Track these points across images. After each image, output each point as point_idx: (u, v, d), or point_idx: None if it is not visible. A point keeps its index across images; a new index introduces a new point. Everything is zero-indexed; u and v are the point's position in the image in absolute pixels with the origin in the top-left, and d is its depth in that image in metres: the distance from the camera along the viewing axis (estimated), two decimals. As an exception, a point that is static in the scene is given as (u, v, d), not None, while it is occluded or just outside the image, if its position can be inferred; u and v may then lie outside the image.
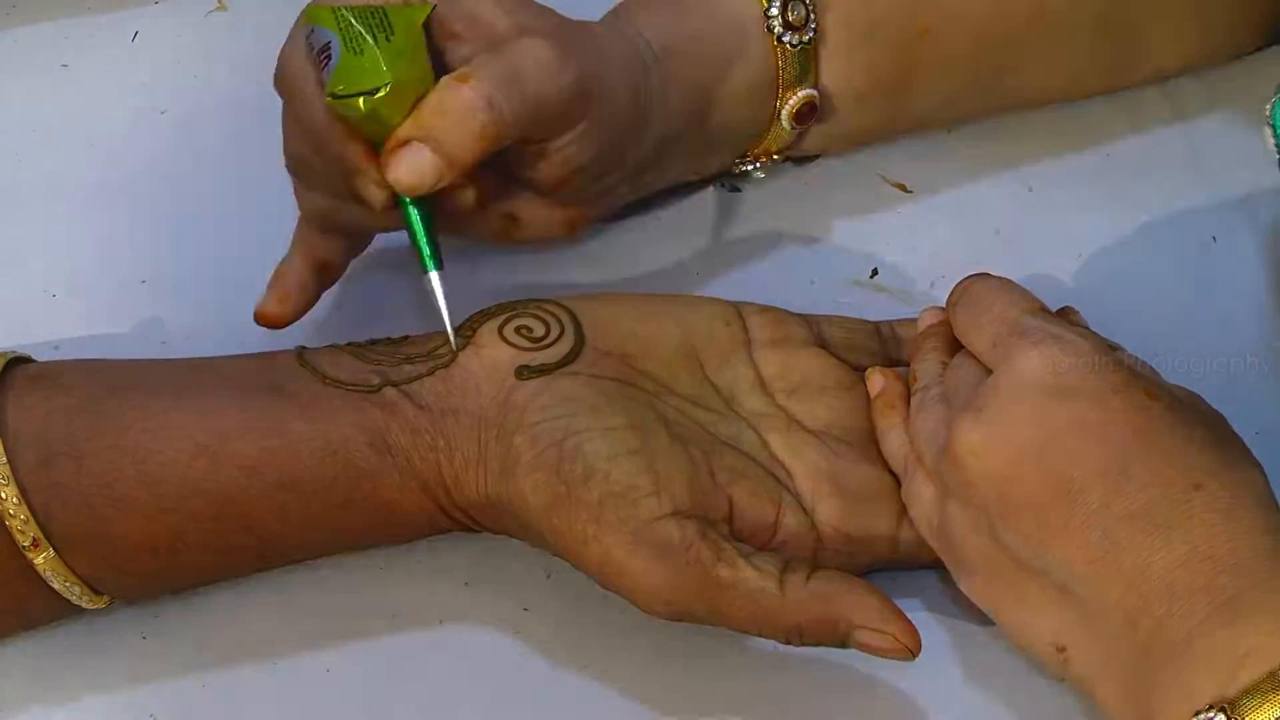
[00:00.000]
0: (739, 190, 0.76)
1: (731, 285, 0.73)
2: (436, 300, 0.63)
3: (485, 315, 0.64)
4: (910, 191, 0.76)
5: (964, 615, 0.64)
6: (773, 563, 0.60)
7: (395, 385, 0.62)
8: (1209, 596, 0.54)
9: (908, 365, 0.67)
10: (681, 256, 0.74)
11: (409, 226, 0.63)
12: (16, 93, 0.79)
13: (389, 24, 0.61)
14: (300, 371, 0.62)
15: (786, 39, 0.69)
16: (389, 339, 0.65)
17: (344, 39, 0.61)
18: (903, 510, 0.63)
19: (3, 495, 0.58)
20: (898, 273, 0.73)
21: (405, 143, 0.60)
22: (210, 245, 0.74)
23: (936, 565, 0.64)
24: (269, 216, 0.74)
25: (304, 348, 0.63)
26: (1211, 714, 0.52)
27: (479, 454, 0.61)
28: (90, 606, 0.61)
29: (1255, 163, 0.74)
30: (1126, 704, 0.56)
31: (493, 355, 0.63)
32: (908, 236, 0.74)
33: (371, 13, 0.61)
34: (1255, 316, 0.72)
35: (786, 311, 0.67)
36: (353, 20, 0.61)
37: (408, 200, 0.62)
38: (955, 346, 0.65)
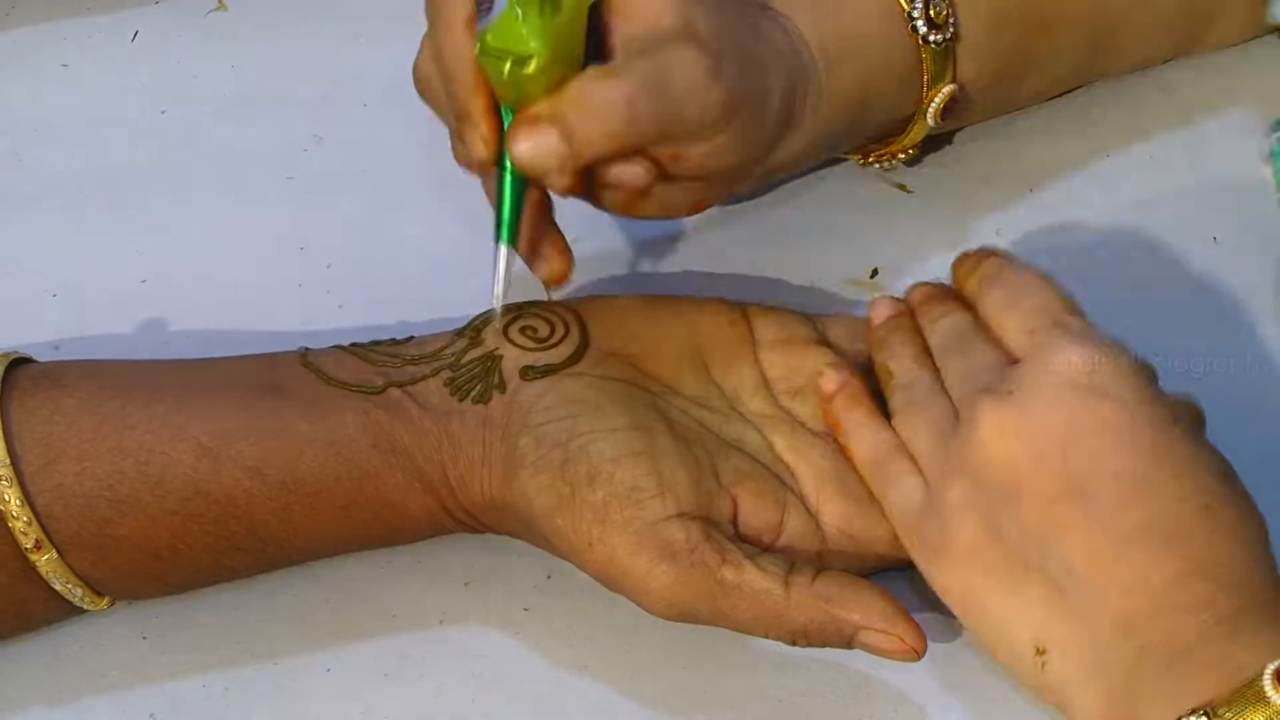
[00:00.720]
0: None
1: (732, 284, 0.73)
2: (497, 270, 0.63)
3: (491, 315, 0.64)
4: (911, 191, 0.76)
5: (965, 615, 0.64)
6: (778, 564, 0.60)
7: (399, 386, 0.62)
8: (1209, 611, 0.54)
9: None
10: (683, 256, 0.74)
11: (499, 191, 0.63)
12: (17, 93, 0.79)
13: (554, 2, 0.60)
14: (303, 373, 0.62)
15: (932, 38, 0.69)
16: (392, 340, 0.65)
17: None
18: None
19: (6, 497, 0.58)
20: (898, 272, 0.73)
21: (536, 121, 0.60)
22: (211, 245, 0.74)
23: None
24: (270, 216, 0.75)
25: (307, 349, 0.64)
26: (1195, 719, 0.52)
27: (483, 455, 0.61)
28: (92, 608, 0.61)
29: (1256, 162, 0.74)
30: (1109, 708, 0.56)
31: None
32: (908, 236, 0.74)
33: None
34: (1255, 316, 0.72)
35: (792, 311, 0.67)
36: None
37: (509, 168, 0.62)
38: (922, 341, 0.64)
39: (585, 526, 0.60)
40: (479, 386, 0.62)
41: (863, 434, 0.63)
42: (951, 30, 0.69)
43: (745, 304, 0.67)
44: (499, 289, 0.63)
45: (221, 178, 0.76)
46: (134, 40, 0.80)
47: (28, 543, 0.59)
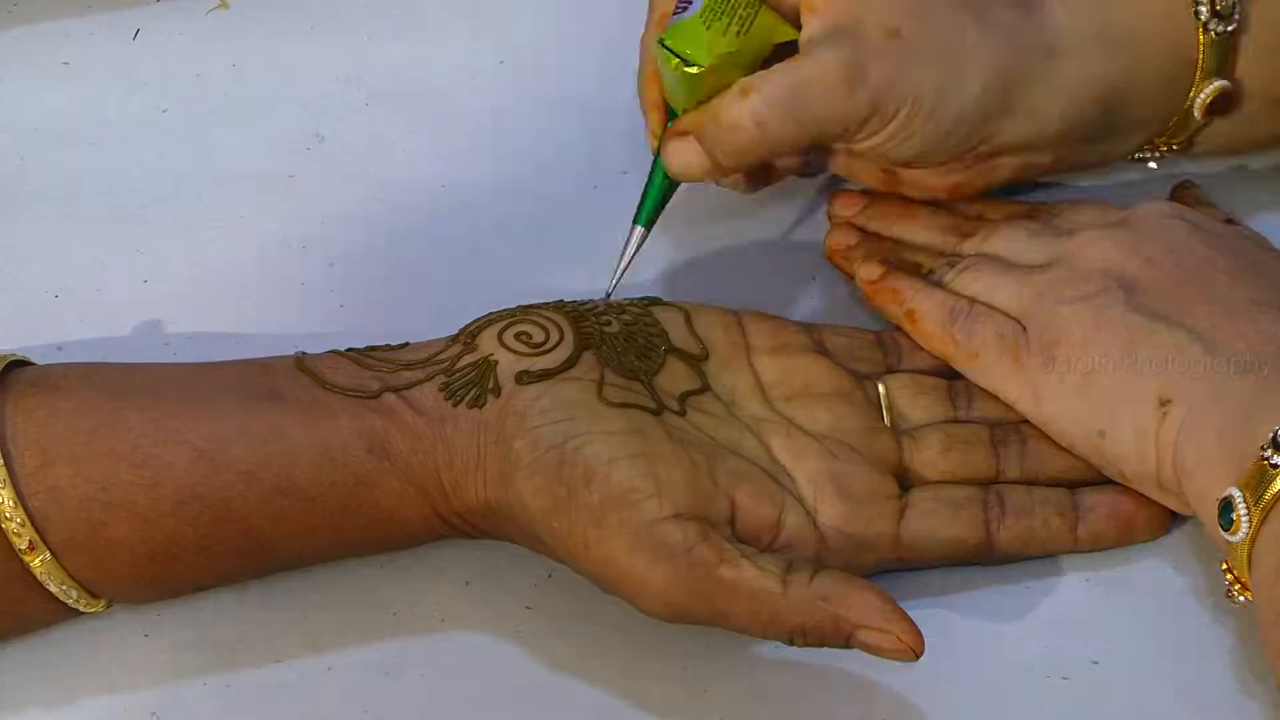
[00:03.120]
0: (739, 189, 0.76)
1: (732, 284, 0.73)
2: (626, 249, 0.67)
3: (485, 321, 0.64)
4: (911, 190, 0.76)
5: (966, 615, 0.64)
6: (775, 563, 0.60)
7: (394, 391, 0.62)
8: None
9: (909, 370, 0.67)
10: (682, 255, 0.73)
11: (650, 179, 0.67)
12: (18, 92, 0.79)
13: (751, 23, 0.64)
14: (299, 377, 0.62)
15: (1212, 26, 0.68)
16: (388, 346, 0.64)
17: (706, 5, 0.64)
18: (903, 512, 0.63)
19: (0, 498, 0.58)
20: (899, 271, 0.73)
21: (682, 133, 0.64)
22: (212, 244, 0.74)
23: (938, 565, 0.64)
24: (270, 216, 0.75)
25: (303, 353, 0.63)
26: None
27: (478, 459, 0.61)
28: (88, 610, 0.61)
29: (1258, 159, 0.74)
30: (1226, 430, 0.59)
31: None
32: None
33: (746, 3, 0.64)
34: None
35: (785, 319, 0.68)
36: (722, 2, 0.64)
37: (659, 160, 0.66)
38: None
39: (582, 528, 0.60)
40: (474, 391, 0.62)
41: (931, 293, 0.68)
42: (1235, 23, 0.68)
43: (739, 310, 0.67)
44: (621, 268, 0.67)
45: (223, 177, 0.76)
46: (135, 39, 0.80)
47: (22, 544, 0.59)
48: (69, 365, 0.62)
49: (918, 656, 0.59)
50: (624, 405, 0.62)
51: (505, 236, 0.74)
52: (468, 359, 0.63)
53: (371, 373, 0.63)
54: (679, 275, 0.73)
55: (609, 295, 0.67)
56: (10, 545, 0.59)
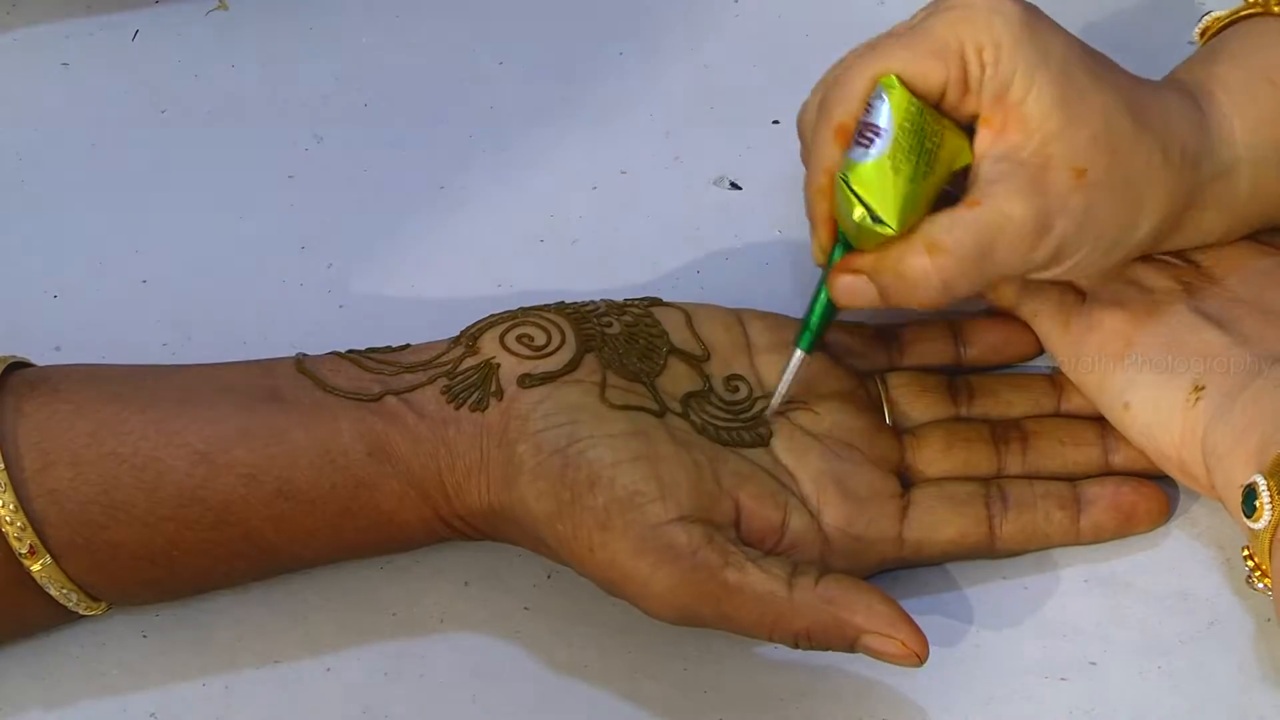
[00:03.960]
0: (739, 189, 0.76)
1: (731, 284, 0.72)
2: (786, 371, 0.63)
3: (487, 323, 0.64)
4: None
5: (965, 616, 0.64)
6: (781, 566, 0.60)
7: (395, 394, 0.62)
8: None
9: (910, 368, 0.68)
10: (682, 256, 0.73)
11: (813, 301, 0.63)
12: (17, 92, 0.79)
13: (936, 157, 0.60)
14: (300, 379, 0.62)
15: None
16: (389, 348, 0.64)
17: (895, 143, 0.60)
18: (905, 510, 0.63)
19: (0, 501, 0.58)
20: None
21: (857, 271, 0.61)
22: (211, 246, 0.74)
23: (942, 562, 0.65)
24: (269, 217, 0.75)
25: (304, 355, 0.63)
26: None
27: (481, 462, 0.61)
28: (87, 613, 0.61)
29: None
30: (1255, 419, 0.60)
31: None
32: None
33: (931, 131, 0.60)
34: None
35: (786, 317, 0.67)
36: (911, 130, 0.60)
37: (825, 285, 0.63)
38: None
39: (586, 532, 0.60)
40: (476, 394, 0.62)
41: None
42: None
43: (740, 309, 0.67)
44: (781, 392, 0.64)
45: (222, 178, 0.76)
46: (134, 40, 0.80)
47: (22, 548, 0.59)
48: (68, 367, 0.62)
49: (922, 662, 0.59)
50: (627, 407, 0.62)
51: (504, 237, 0.74)
52: (470, 362, 0.63)
53: (372, 375, 0.63)
54: (679, 276, 0.73)
55: (768, 413, 0.64)
56: (10, 549, 0.59)
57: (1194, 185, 0.63)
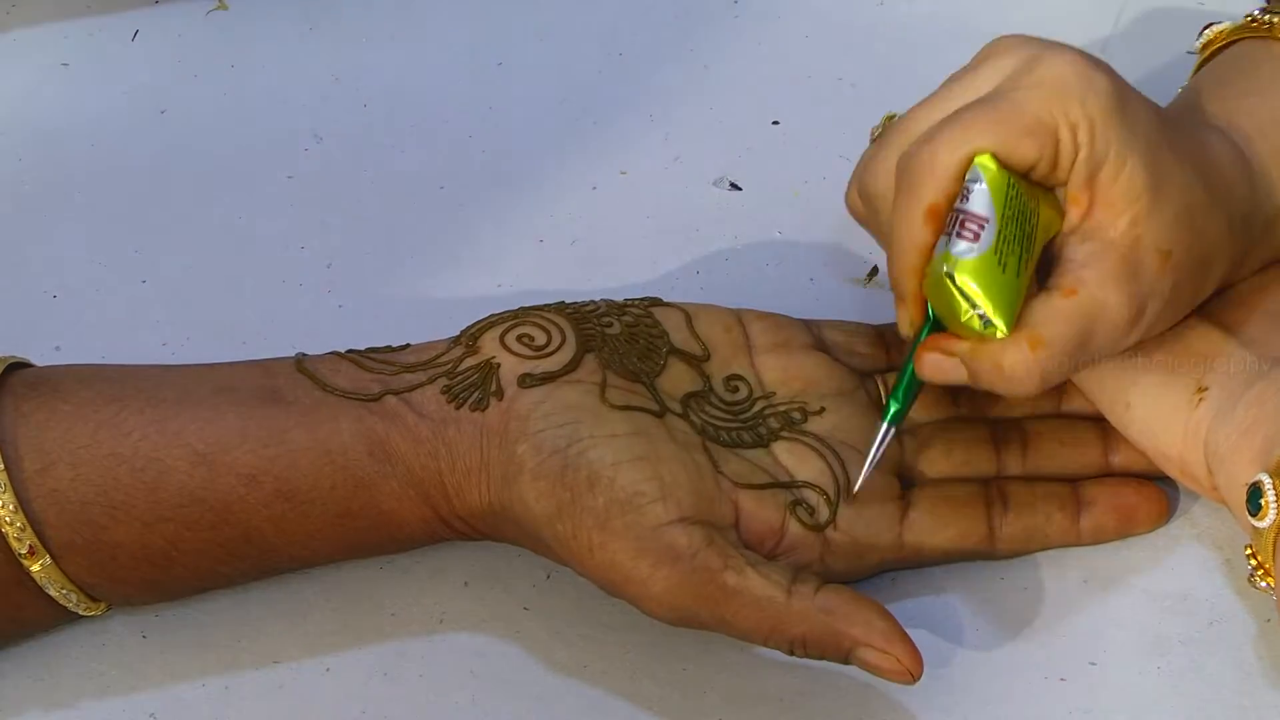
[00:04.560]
0: (739, 189, 0.76)
1: (731, 284, 0.73)
2: (874, 446, 0.62)
3: (487, 323, 0.64)
4: (911, 190, 0.76)
5: (964, 616, 0.64)
6: (781, 572, 0.60)
7: (396, 394, 0.62)
8: None
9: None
10: (682, 256, 0.73)
11: (901, 377, 0.62)
12: (17, 92, 0.79)
13: (1033, 239, 0.59)
14: (300, 379, 0.62)
15: None
16: (389, 347, 0.64)
17: (999, 236, 0.58)
18: (905, 512, 0.63)
19: (0, 502, 0.58)
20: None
21: (951, 354, 0.60)
22: (211, 245, 0.74)
23: (941, 563, 0.64)
24: (269, 217, 0.75)
25: (304, 355, 0.63)
26: None
27: (481, 462, 0.61)
28: (87, 614, 0.61)
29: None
30: (1259, 418, 0.60)
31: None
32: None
33: (1029, 212, 0.59)
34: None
35: (786, 317, 0.67)
36: (1012, 216, 0.58)
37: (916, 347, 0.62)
38: None
39: (586, 532, 0.60)
40: (476, 394, 0.62)
41: None
42: None
43: (740, 310, 0.67)
44: (870, 465, 0.63)
45: (221, 178, 0.76)
46: (134, 40, 0.80)
47: (22, 549, 0.59)
48: (68, 367, 0.62)
49: (915, 680, 0.59)
50: (627, 408, 0.62)
51: (504, 238, 0.74)
52: (470, 361, 0.63)
53: (372, 375, 0.63)
54: (679, 276, 0.73)
55: (856, 489, 0.63)
56: (10, 550, 0.59)
57: (1248, 245, 0.63)
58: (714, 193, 0.75)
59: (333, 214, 0.75)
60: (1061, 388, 0.67)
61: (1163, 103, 0.64)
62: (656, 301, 0.67)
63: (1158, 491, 0.65)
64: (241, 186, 0.75)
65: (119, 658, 0.63)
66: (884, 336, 0.68)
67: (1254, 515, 0.59)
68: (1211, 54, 0.69)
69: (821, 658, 0.60)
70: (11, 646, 0.63)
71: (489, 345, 0.63)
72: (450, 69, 0.79)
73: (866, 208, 0.64)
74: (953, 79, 0.62)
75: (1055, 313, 0.59)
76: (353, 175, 0.76)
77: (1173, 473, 0.64)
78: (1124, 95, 0.59)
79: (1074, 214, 0.60)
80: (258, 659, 0.64)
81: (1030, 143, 0.59)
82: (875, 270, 0.73)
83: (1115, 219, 0.59)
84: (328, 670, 0.63)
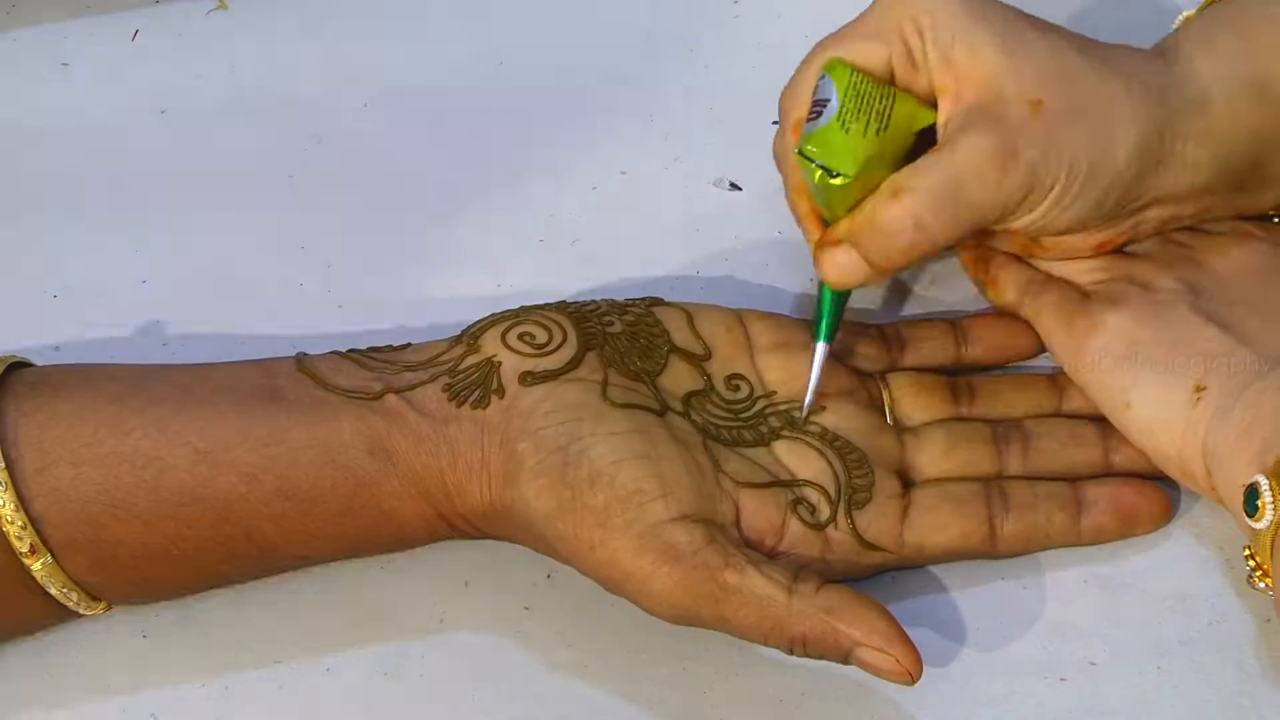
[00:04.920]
0: (739, 189, 0.76)
1: (732, 284, 0.73)
2: (813, 367, 0.64)
3: (488, 322, 0.64)
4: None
5: (964, 616, 0.64)
6: (781, 571, 0.60)
7: (397, 392, 0.62)
8: None
9: (909, 369, 0.68)
10: (682, 256, 0.73)
11: (820, 297, 0.65)
12: (17, 92, 0.78)
13: (889, 116, 0.62)
14: (300, 378, 0.62)
15: None
16: (390, 347, 0.64)
17: (841, 107, 0.62)
18: (906, 511, 0.63)
19: (1, 501, 0.58)
20: (900, 273, 0.73)
21: (836, 243, 0.62)
22: (210, 246, 0.74)
23: (942, 562, 0.65)
24: (270, 216, 0.75)
25: (304, 355, 0.63)
26: None
27: (482, 460, 0.61)
28: (88, 612, 0.61)
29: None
30: (1258, 418, 0.60)
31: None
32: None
33: (880, 95, 0.62)
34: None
35: (787, 317, 0.67)
36: (857, 95, 0.62)
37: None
38: None
39: (586, 530, 0.60)
40: (477, 392, 0.62)
41: (1016, 266, 0.69)
42: None
43: (741, 310, 0.67)
44: (812, 388, 0.64)
45: (221, 177, 0.76)
46: (134, 40, 0.80)
47: (22, 547, 0.59)
48: (69, 367, 0.62)
49: (914, 681, 0.59)
50: (628, 406, 0.62)
51: (504, 238, 0.74)
52: (471, 360, 0.63)
53: (373, 374, 0.63)
54: (679, 276, 0.73)
55: (806, 415, 0.65)
56: (10, 548, 0.59)
57: (1164, 115, 0.63)
58: (714, 193, 0.75)
59: (333, 214, 0.74)
60: (1062, 388, 0.67)
61: None
62: (658, 301, 0.67)
63: (1158, 492, 0.65)
64: (242, 186, 0.75)
65: (119, 657, 0.63)
66: (885, 336, 0.68)
67: (1251, 517, 0.59)
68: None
69: (821, 657, 0.60)
70: (12, 645, 0.63)
71: (490, 344, 0.63)
72: (450, 69, 0.79)
73: (780, 171, 0.67)
74: None
75: (920, 166, 0.62)
76: (353, 175, 0.76)
77: (1172, 473, 0.64)
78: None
79: (945, 103, 0.62)
80: (258, 659, 0.64)
81: (875, 45, 0.63)
82: (875, 270, 0.73)
83: (975, 85, 0.62)
84: (328, 670, 0.63)
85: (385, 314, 0.71)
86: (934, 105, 0.63)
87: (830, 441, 0.64)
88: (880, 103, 0.62)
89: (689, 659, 0.63)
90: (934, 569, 0.65)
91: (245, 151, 0.76)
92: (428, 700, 0.63)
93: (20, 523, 0.59)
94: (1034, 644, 0.64)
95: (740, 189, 0.76)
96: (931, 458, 0.65)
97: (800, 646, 0.60)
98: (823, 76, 0.63)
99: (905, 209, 0.61)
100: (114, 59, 0.80)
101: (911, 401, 0.67)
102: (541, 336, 0.63)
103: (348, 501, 0.61)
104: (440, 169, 0.76)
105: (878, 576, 0.64)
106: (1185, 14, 0.69)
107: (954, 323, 0.69)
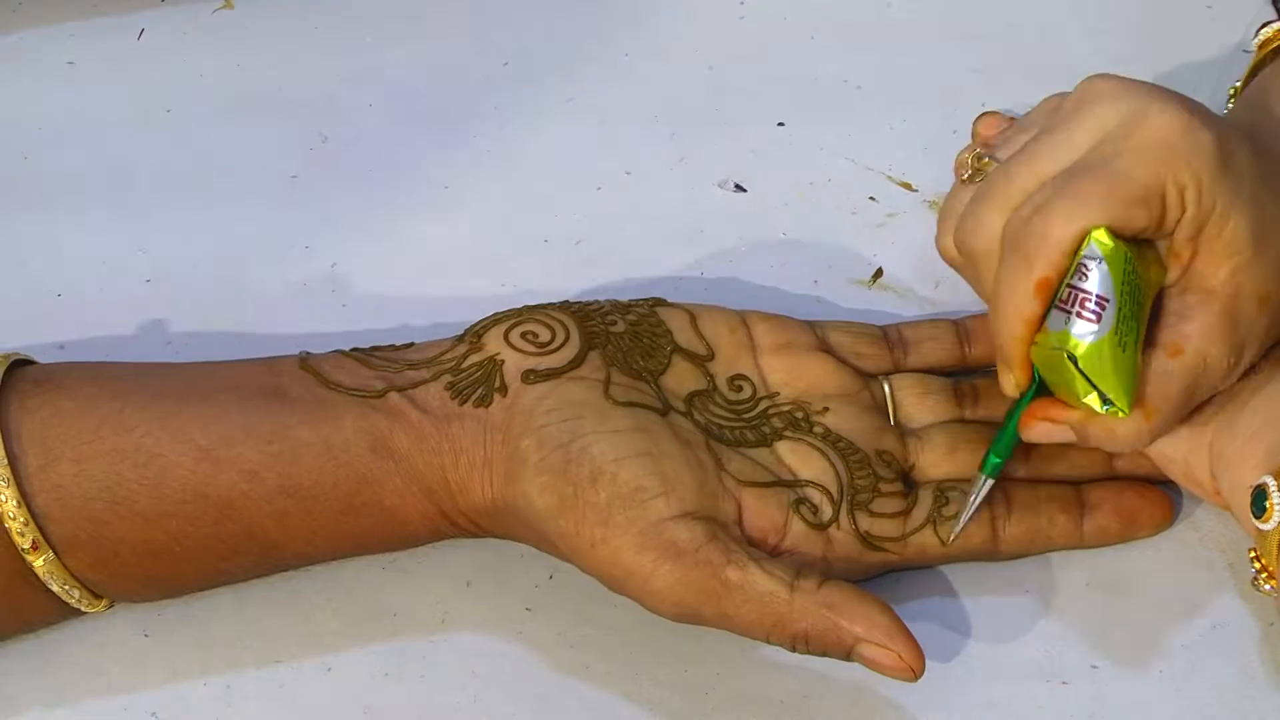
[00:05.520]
0: (744, 190, 0.76)
1: (735, 285, 0.73)
2: (974, 495, 0.63)
3: (491, 321, 0.64)
4: (915, 190, 0.76)
5: (966, 619, 0.64)
6: (783, 568, 0.60)
7: (399, 390, 0.62)
8: None
9: (912, 370, 0.68)
10: (686, 256, 0.74)
11: (1003, 431, 0.63)
12: (23, 91, 0.79)
13: (1145, 306, 0.59)
14: (303, 376, 0.62)
15: None
16: (393, 345, 0.64)
17: (1119, 315, 0.58)
18: (908, 512, 0.63)
19: (3, 497, 0.58)
20: (901, 273, 0.73)
21: (1059, 421, 0.61)
22: (215, 245, 0.74)
23: (944, 564, 0.64)
24: (273, 216, 0.75)
25: (307, 353, 0.63)
26: None
27: (485, 458, 0.61)
28: (90, 610, 0.61)
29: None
30: (1267, 421, 0.60)
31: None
32: (912, 236, 0.74)
33: (1140, 281, 0.59)
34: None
35: (790, 318, 0.67)
36: (1130, 292, 0.58)
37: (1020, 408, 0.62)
38: None
39: (588, 527, 0.60)
40: (480, 390, 0.62)
41: None
42: None
43: (744, 311, 0.67)
44: (967, 514, 0.63)
45: (226, 177, 0.76)
46: (140, 39, 0.80)
47: (25, 544, 0.59)
48: (72, 364, 0.62)
49: (916, 677, 0.59)
50: (630, 404, 0.62)
51: (508, 237, 0.74)
52: (474, 358, 0.63)
53: (376, 372, 0.63)
54: (683, 277, 0.73)
55: (951, 539, 0.63)
56: (13, 545, 0.59)
57: None
58: (719, 194, 0.75)
59: (337, 213, 0.75)
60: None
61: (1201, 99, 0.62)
62: (661, 302, 0.67)
63: (1161, 495, 0.65)
64: (246, 185, 0.75)
65: (120, 656, 0.63)
66: (888, 336, 0.68)
67: (1259, 518, 0.59)
68: (1269, 53, 0.68)
69: (824, 654, 0.60)
70: (13, 643, 0.63)
71: (493, 342, 0.63)
72: (455, 69, 0.79)
73: (965, 260, 0.64)
74: (1049, 129, 0.61)
75: (1166, 378, 0.60)
76: (357, 175, 0.76)
77: (1176, 476, 0.64)
78: (1227, 148, 0.59)
79: (1175, 268, 0.60)
80: (259, 658, 0.64)
81: (1141, 212, 0.58)
82: (880, 272, 0.73)
83: (1216, 270, 0.59)
84: (329, 669, 0.63)
85: (389, 313, 0.71)
86: (1163, 262, 0.60)
87: (833, 442, 0.64)
88: (1142, 290, 0.59)
89: (691, 660, 0.63)
90: (936, 570, 0.65)
91: (250, 150, 0.76)
92: (429, 700, 0.63)
93: (22, 519, 0.59)
94: (1036, 647, 0.64)
95: (745, 190, 0.76)
96: (934, 459, 0.65)
97: (802, 643, 0.60)
98: (1094, 255, 0.58)
99: (1150, 427, 0.60)
100: (120, 58, 0.80)
101: (915, 403, 0.67)
102: (544, 335, 0.64)
103: (350, 499, 0.61)
104: (444, 168, 0.76)
105: (880, 577, 0.64)
106: (1271, 29, 0.68)
107: (957, 323, 0.69)
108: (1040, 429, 0.62)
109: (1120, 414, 0.59)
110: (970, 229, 0.62)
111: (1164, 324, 0.60)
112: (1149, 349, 0.60)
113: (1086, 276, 0.58)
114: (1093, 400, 0.59)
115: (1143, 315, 0.59)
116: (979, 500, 0.63)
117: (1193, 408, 0.61)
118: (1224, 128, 0.59)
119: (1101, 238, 0.58)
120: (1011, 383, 0.62)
